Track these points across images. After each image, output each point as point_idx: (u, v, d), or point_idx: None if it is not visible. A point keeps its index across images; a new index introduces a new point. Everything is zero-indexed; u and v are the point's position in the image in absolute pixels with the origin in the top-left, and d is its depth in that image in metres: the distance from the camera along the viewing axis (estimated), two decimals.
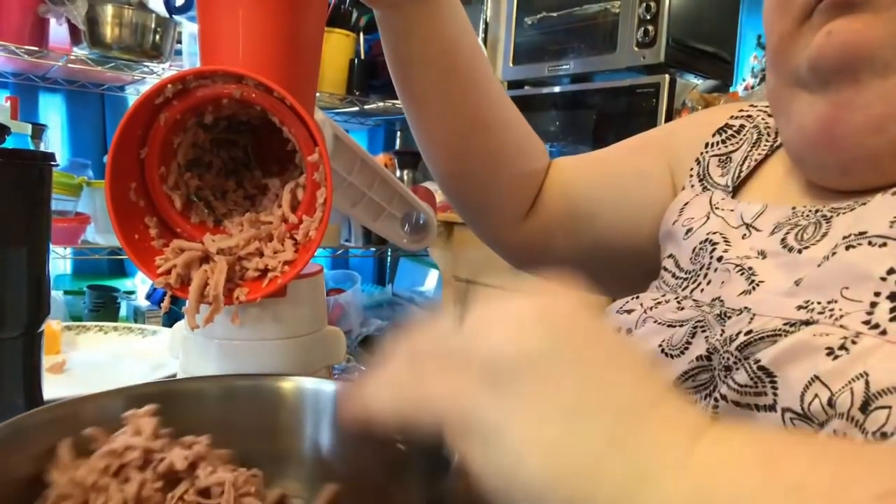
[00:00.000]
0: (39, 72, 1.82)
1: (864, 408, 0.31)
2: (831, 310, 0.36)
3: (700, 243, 0.48)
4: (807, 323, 0.36)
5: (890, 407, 0.31)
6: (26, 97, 1.89)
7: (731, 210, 0.48)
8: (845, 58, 0.37)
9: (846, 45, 0.37)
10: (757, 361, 0.37)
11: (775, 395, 0.36)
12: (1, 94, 1.75)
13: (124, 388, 0.38)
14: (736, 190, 0.51)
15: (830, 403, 0.32)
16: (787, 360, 0.35)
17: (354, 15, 1.95)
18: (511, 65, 1.86)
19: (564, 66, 1.72)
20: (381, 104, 2.01)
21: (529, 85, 1.86)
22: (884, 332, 0.33)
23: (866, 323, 0.34)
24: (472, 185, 0.62)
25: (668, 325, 0.45)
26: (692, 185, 0.54)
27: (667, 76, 1.51)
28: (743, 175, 0.51)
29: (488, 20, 2.01)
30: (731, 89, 1.71)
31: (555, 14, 1.75)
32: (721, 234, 0.47)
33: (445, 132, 0.59)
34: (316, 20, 0.44)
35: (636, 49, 1.55)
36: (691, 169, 0.55)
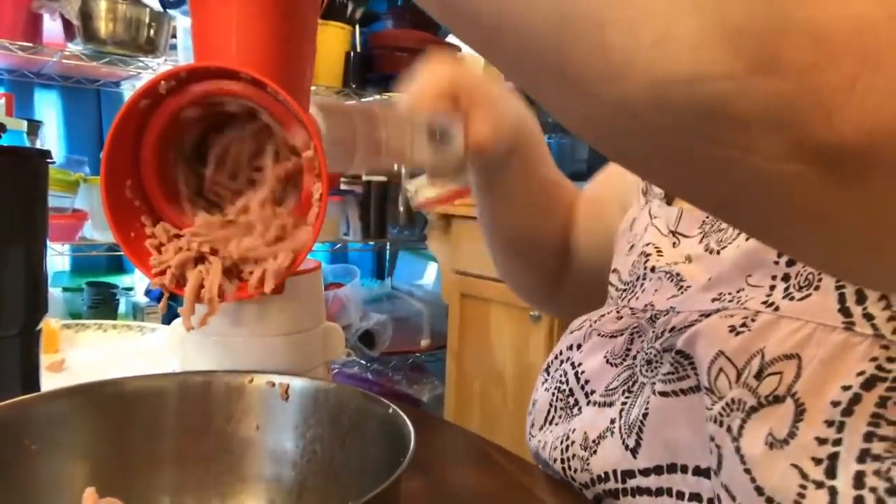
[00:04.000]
0: (34, 68, 1.81)
1: (759, 375, 0.36)
2: (739, 297, 0.40)
3: (637, 256, 0.51)
4: (718, 311, 0.40)
5: (781, 373, 0.36)
6: (21, 94, 1.88)
7: (661, 217, 0.51)
8: None
9: None
10: (674, 347, 0.41)
11: (696, 375, 0.40)
12: None
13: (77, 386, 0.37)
14: (671, 195, 0.53)
15: (737, 380, 0.37)
16: (696, 341, 0.39)
17: (350, 7, 1.94)
18: None
19: None
20: (377, 97, 2.01)
21: None
22: (777, 309, 0.38)
23: (764, 303, 0.39)
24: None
25: (610, 336, 0.48)
26: (638, 200, 0.56)
27: None
28: None
29: None
30: None
31: None
32: (654, 244, 0.50)
33: (522, 220, 0.62)
34: (310, 14, 0.44)
35: None
36: (639, 185, 0.57)
